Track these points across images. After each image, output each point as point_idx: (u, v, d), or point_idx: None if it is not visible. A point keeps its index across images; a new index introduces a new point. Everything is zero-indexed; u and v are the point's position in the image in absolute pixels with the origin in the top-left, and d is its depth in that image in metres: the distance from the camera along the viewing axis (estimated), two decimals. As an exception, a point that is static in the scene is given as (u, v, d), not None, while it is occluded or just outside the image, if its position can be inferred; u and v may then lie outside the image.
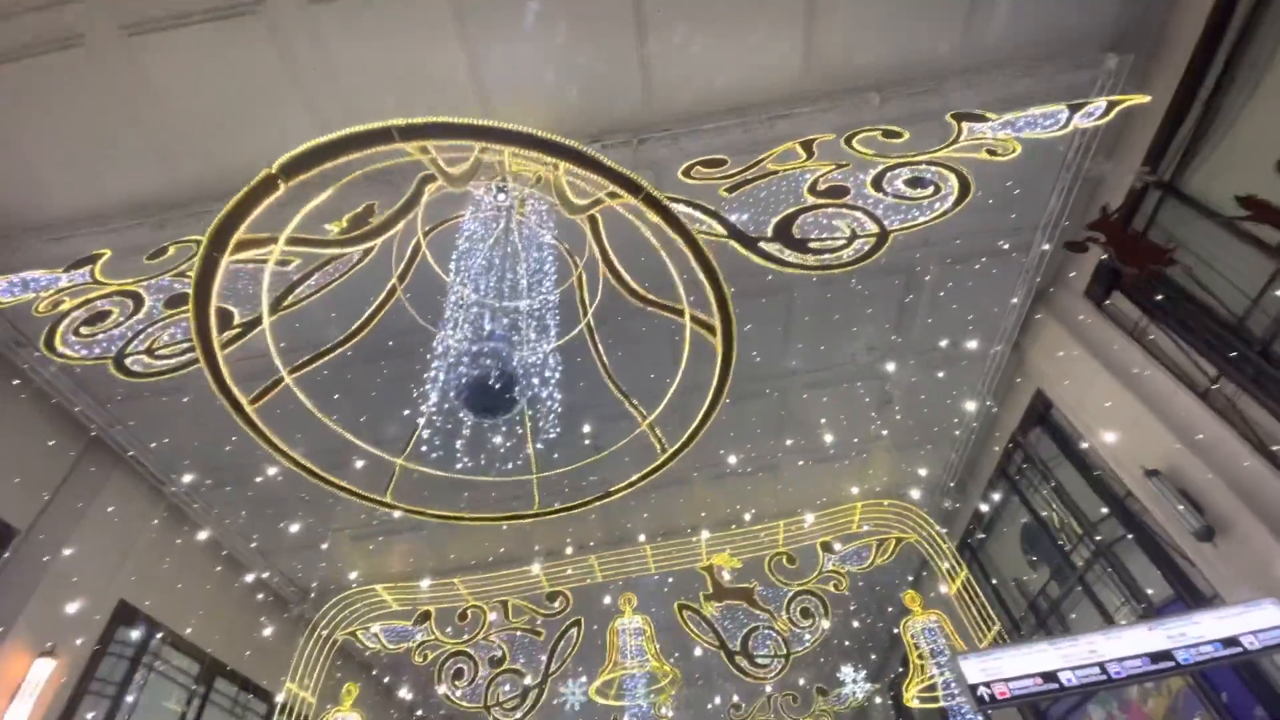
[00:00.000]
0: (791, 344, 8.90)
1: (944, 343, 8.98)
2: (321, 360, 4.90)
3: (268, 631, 11.34)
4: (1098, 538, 8.99)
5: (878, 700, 17.36)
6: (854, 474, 11.39)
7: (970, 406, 10.02)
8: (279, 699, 10.11)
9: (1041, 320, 8.90)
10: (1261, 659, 6.72)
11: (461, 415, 3.59)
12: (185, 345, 4.56)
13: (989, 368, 9.38)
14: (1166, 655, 5.77)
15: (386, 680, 13.71)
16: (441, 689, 10.40)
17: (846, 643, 12.86)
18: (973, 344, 8.90)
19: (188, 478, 8.48)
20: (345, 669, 12.27)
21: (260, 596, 11.31)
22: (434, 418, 4.54)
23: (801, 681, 16.58)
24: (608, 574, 11.75)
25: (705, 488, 11.65)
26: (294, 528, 10.42)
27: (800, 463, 11.21)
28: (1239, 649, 5.71)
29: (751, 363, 9.05)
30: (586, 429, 7.55)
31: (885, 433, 10.42)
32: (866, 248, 4.37)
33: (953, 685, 9.67)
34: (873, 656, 11.76)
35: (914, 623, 10.35)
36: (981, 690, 5.76)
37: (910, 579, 12.47)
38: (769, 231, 4.42)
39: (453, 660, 10.83)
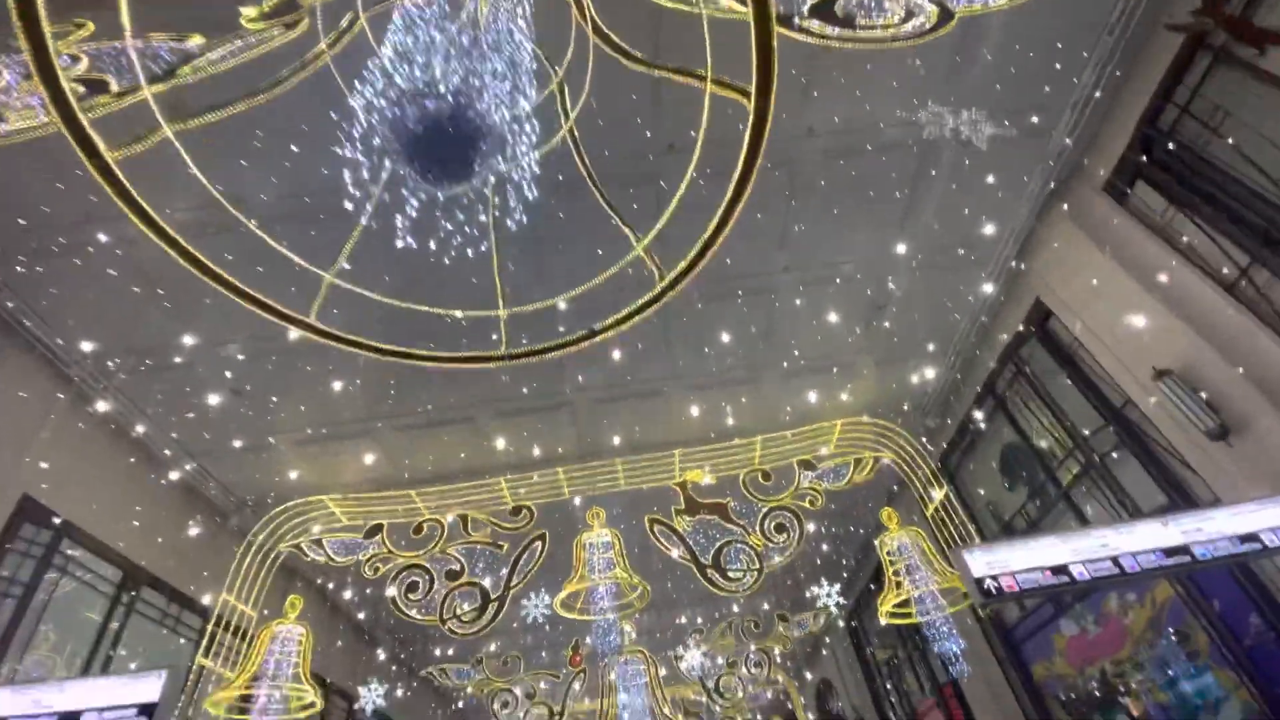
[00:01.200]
0: (788, 236, 8.10)
1: (949, 237, 8.31)
2: (217, 117, 3.85)
3: (202, 542, 10.41)
4: (1090, 451, 8.67)
5: (840, 624, 17.59)
6: (836, 389, 10.88)
7: (966, 313, 9.50)
8: (214, 611, 9.26)
9: (1053, 218, 8.28)
10: (1262, 565, 6.49)
11: (405, 178, 2.67)
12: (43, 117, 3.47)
13: (994, 266, 8.78)
14: (1183, 550, 5.39)
15: (332, 590, 12.96)
16: (393, 599, 9.72)
17: (818, 561, 12.69)
18: (985, 233, 8.24)
19: (87, 346, 7.31)
20: (287, 581, 11.49)
21: (192, 504, 10.32)
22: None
23: (765, 606, 16.59)
24: (576, 488, 11.11)
25: (681, 401, 11.02)
26: (230, 429, 9.41)
27: (781, 376, 10.63)
28: (1258, 545, 5.35)
29: (740, 258, 8.26)
30: (562, 306, 6.67)
31: (876, 338, 9.86)
32: (927, 26, 3.53)
33: (927, 601, 9.44)
34: (844, 575, 11.56)
35: (890, 539, 10.02)
36: (988, 583, 5.29)
37: (892, 493, 12.15)
38: (804, 10, 3.52)
39: (406, 573, 10.11)
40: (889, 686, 17.67)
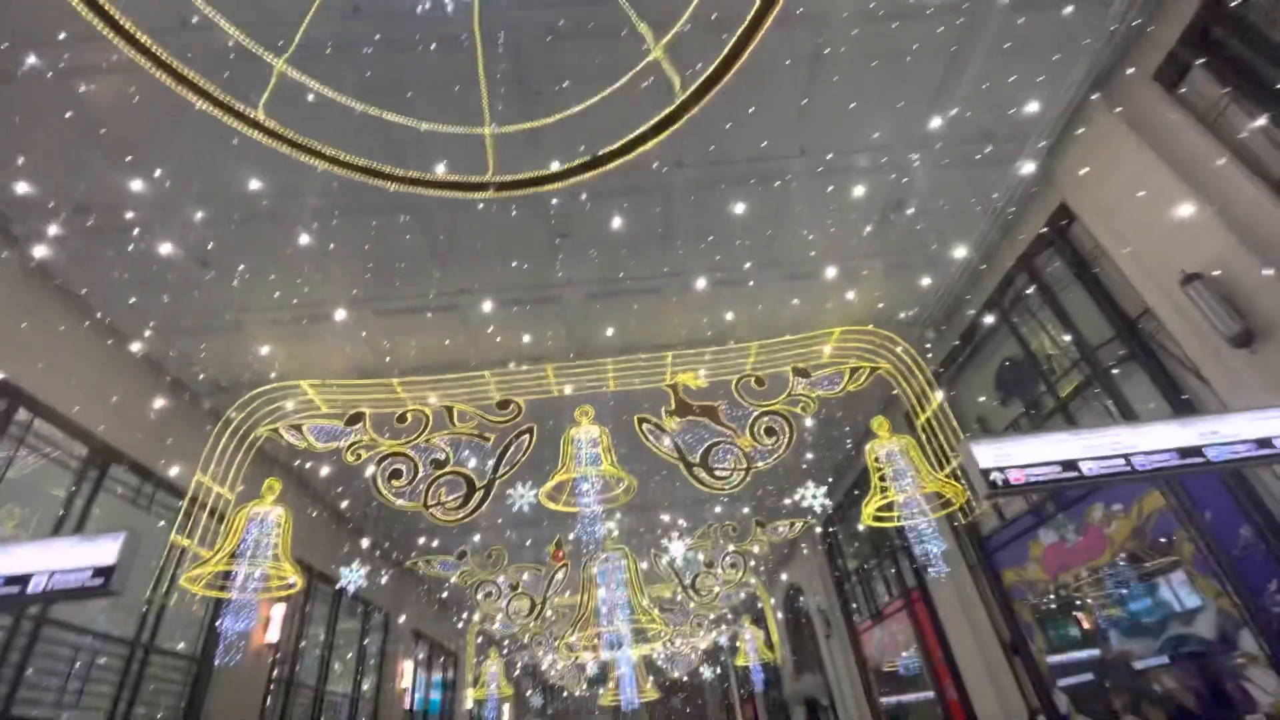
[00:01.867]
0: (808, 112, 7.35)
1: (980, 126, 7.64)
2: None
3: (173, 422, 10.07)
4: (1096, 363, 8.42)
5: (817, 530, 18.12)
6: (840, 291, 10.46)
7: (987, 212, 8.96)
8: (190, 492, 9.02)
9: (1093, 107, 7.58)
10: (1260, 477, 6.40)
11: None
12: None
13: (1024, 160, 8.15)
14: (1196, 451, 5.18)
15: (312, 477, 12.84)
16: (373, 481, 9.56)
17: (803, 465, 12.74)
18: (1018, 122, 7.57)
19: (22, 189, 6.55)
20: (267, 468, 11.30)
21: (160, 382, 9.88)
22: None
23: (745, 510, 16.95)
24: (564, 386, 10.81)
25: (677, 299, 10.55)
26: (196, 301, 8.81)
27: (785, 274, 10.16)
28: (1273, 450, 5.17)
29: (752, 136, 7.56)
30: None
31: (889, 238, 9.36)
32: None
33: (912, 505, 9.49)
34: (828, 481, 11.59)
35: (880, 445, 9.96)
36: (994, 475, 5.08)
37: (885, 401, 11.97)
38: None
39: (390, 460, 9.92)
40: (858, 591, 18.47)
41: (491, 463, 9.89)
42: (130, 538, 4.91)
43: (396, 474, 9.77)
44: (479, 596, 17.04)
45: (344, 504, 13.32)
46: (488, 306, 9.94)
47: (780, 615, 25.81)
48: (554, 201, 8.40)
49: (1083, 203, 8.11)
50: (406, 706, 19.94)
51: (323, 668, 14.77)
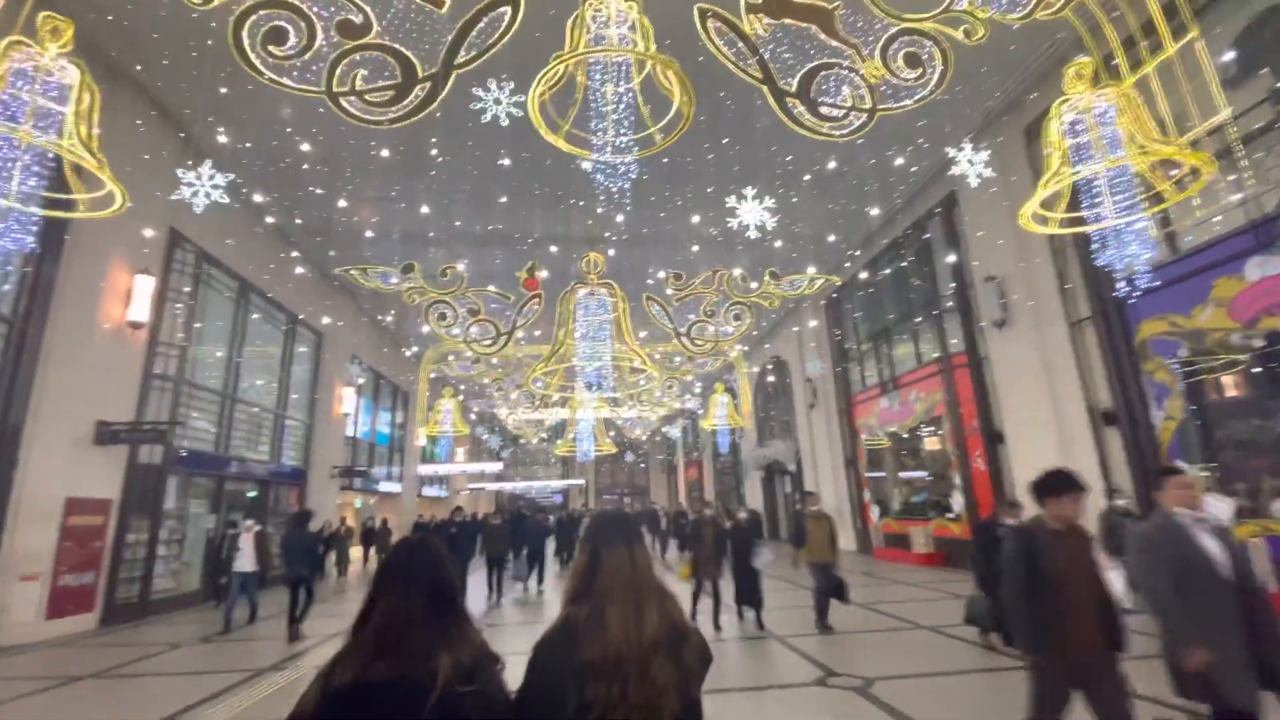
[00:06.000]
0: None
1: None
2: None
3: None
4: None
5: (834, 292, 15.28)
6: None
7: None
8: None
9: None
10: None
11: None
12: None
13: None
14: None
15: (169, 95, 8.34)
16: (240, 51, 5.41)
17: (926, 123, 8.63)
18: None
19: None
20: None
21: None
22: None
23: (779, 244, 13.75)
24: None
25: None
26: None
27: None
28: None
29: None
30: None
31: None
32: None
33: (1118, 188, 6.14)
34: (893, 199, 7.74)
35: (1074, 105, 6.31)
36: None
37: (1067, 48, 7.96)
38: None
39: (267, 12, 5.66)
40: (867, 359, 16.37)
41: (448, 38, 5.75)
42: None
43: (279, 35, 5.57)
44: (432, 319, 14.01)
45: (224, 139, 8.95)
46: None
47: (755, 385, 24.49)
48: None
49: None
50: (349, 433, 17.98)
51: (230, 372, 11.83)
